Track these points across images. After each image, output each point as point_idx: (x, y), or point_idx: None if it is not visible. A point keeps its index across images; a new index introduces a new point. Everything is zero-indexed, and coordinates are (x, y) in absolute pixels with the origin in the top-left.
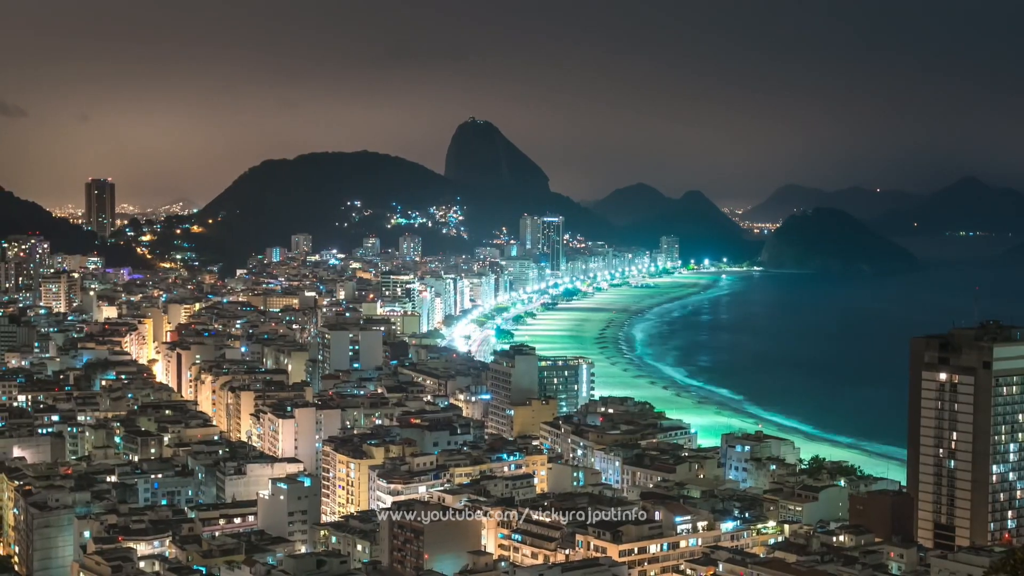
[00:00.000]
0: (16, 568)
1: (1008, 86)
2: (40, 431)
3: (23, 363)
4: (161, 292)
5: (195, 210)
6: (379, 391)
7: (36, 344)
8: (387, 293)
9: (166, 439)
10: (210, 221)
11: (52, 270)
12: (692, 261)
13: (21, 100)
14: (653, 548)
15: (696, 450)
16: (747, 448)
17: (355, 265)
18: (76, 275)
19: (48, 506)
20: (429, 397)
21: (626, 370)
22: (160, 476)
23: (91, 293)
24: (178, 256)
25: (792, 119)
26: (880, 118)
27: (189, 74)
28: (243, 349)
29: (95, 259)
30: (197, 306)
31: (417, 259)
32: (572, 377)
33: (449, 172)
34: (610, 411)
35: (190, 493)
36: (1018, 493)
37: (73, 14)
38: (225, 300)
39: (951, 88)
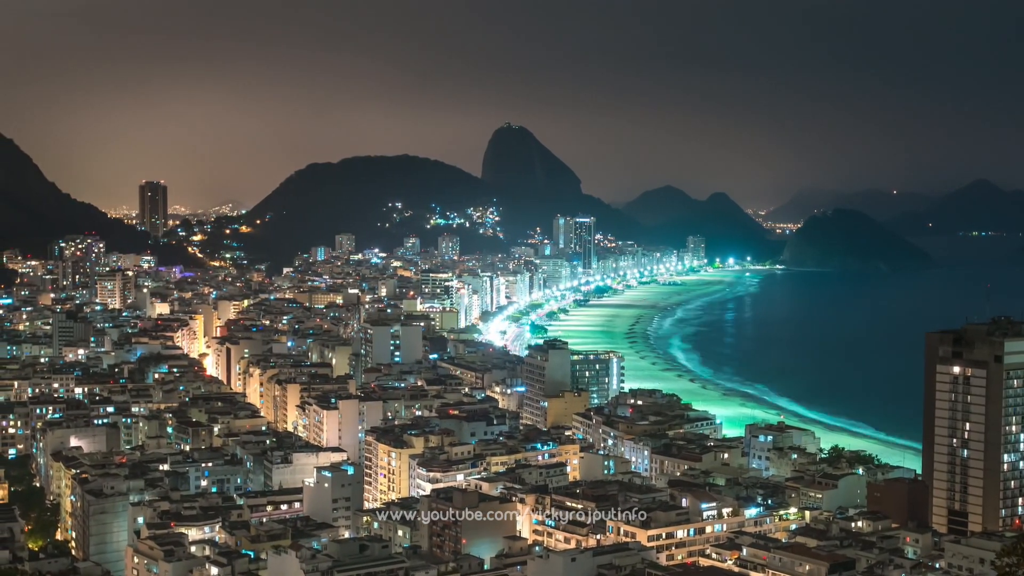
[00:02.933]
0: (73, 552)
1: (1019, 91)
2: (96, 422)
3: (80, 357)
4: (211, 289)
5: (243, 211)
6: (419, 384)
7: (92, 339)
8: (427, 290)
9: (216, 429)
10: (258, 222)
11: (107, 268)
12: (717, 260)
13: (77, 104)
14: (680, 533)
15: (721, 440)
16: (770, 438)
17: (396, 264)
18: (130, 273)
19: (104, 493)
20: (467, 389)
21: (654, 364)
22: (210, 465)
23: (144, 290)
24: (227, 255)
25: (812, 125)
26: (896, 123)
27: (238, 81)
28: (289, 344)
29: (148, 258)
30: (245, 303)
31: (455, 258)
32: (603, 370)
33: (486, 175)
34: (639, 403)
35: (239, 481)
36: None
37: (126, 23)
38: (272, 297)
39: (963, 94)
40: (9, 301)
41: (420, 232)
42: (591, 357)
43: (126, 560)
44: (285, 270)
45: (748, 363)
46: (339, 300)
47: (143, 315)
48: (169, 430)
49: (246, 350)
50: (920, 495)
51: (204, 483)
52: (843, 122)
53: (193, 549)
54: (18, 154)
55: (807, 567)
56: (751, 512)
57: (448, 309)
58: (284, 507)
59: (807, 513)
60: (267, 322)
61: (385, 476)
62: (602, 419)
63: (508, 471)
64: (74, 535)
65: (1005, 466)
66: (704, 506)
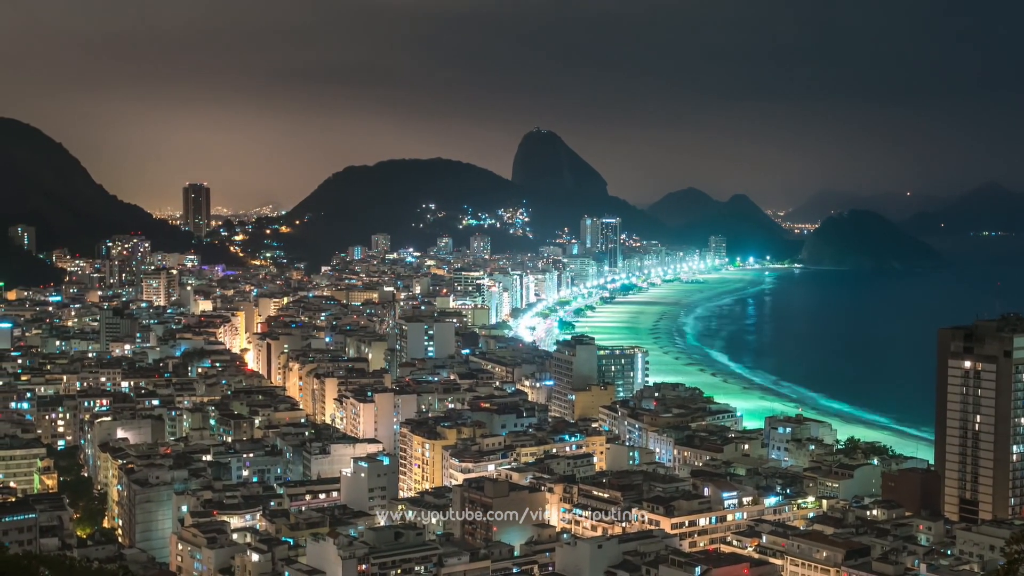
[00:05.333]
0: (120, 539)
1: None
2: (142, 414)
3: (126, 352)
4: (252, 287)
5: (283, 212)
6: (452, 378)
7: (138, 335)
8: (459, 288)
9: (257, 422)
10: (297, 222)
11: (153, 267)
12: (738, 259)
13: (123, 110)
14: (702, 521)
15: (742, 432)
16: (788, 430)
17: (430, 262)
18: (174, 272)
19: (149, 483)
20: (497, 383)
21: (678, 358)
22: (251, 455)
23: (188, 288)
24: (268, 254)
25: (829, 129)
26: (909, 128)
27: (278, 88)
28: (327, 339)
29: (192, 257)
30: (285, 300)
31: (486, 257)
32: (628, 365)
33: (516, 177)
34: (663, 396)
35: (279, 471)
36: None
37: (172, 34)
38: (311, 294)
39: (974, 100)
40: (58, 298)
41: (453, 232)
42: (617, 352)
43: (171, 547)
44: (323, 269)
45: (768, 358)
46: (375, 297)
47: (187, 312)
48: (212, 422)
49: (286, 345)
50: (933, 484)
51: (245, 473)
52: (859, 127)
53: (235, 536)
54: (67, 158)
55: (824, 554)
56: (770, 501)
57: (480, 306)
58: (322, 496)
59: (824, 502)
60: (306, 319)
61: (419, 466)
62: (627, 411)
63: (537, 461)
64: (120, 523)
65: (1014, 457)
66: (725, 495)
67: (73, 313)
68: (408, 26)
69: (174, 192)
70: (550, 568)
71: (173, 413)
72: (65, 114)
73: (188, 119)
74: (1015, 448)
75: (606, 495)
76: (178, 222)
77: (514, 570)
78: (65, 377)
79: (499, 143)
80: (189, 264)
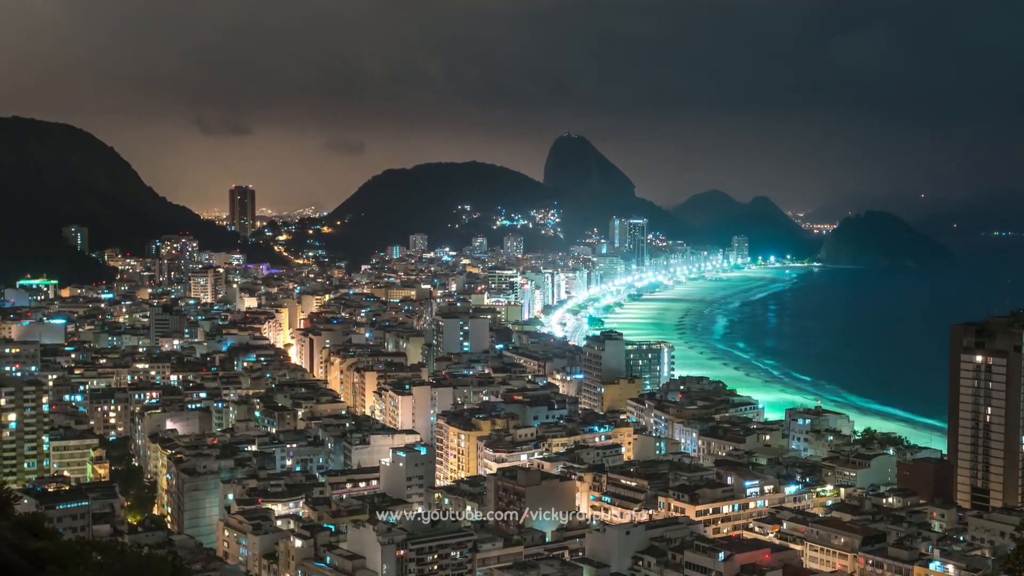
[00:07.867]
0: (169, 526)
1: None
2: (190, 406)
3: (175, 347)
4: (295, 285)
5: (325, 213)
6: (486, 371)
7: (186, 330)
8: (493, 286)
9: (300, 413)
10: (338, 223)
11: (200, 266)
12: (760, 258)
13: (172, 117)
14: (726, 508)
15: (763, 423)
16: (808, 421)
17: (465, 261)
18: (221, 270)
19: (197, 472)
20: (530, 377)
21: (702, 353)
22: (295, 446)
23: (234, 286)
24: (310, 253)
25: (847, 132)
26: (924, 131)
27: (319, 96)
28: (367, 335)
29: (238, 256)
30: (327, 297)
31: (519, 256)
32: (655, 359)
33: (547, 180)
34: (688, 389)
35: (321, 461)
36: None
37: (222, 46)
38: (351, 292)
39: (986, 104)
40: (110, 295)
41: (487, 232)
42: (644, 347)
43: (217, 533)
44: (363, 267)
45: (789, 352)
46: (413, 295)
47: (233, 308)
48: (257, 414)
49: (327, 341)
50: (946, 474)
51: (289, 463)
52: (875, 131)
53: (279, 523)
54: (119, 162)
55: (842, 539)
56: (791, 489)
57: (513, 303)
58: (362, 485)
59: (842, 490)
60: (346, 315)
61: (455, 456)
62: (654, 404)
63: (568, 452)
64: (169, 510)
65: None
66: (748, 484)
67: (124, 310)
68: (445, 41)
69: (221, 194)
70: (580, 553)
71: (220, 405)
72: (117, 120)
73: (233, 126)
74: None
75: (633, 483)
76: (224, 223)
77: (545, 555)
78: (116, 371)
79: (531, 147)
80: (235, 263)
